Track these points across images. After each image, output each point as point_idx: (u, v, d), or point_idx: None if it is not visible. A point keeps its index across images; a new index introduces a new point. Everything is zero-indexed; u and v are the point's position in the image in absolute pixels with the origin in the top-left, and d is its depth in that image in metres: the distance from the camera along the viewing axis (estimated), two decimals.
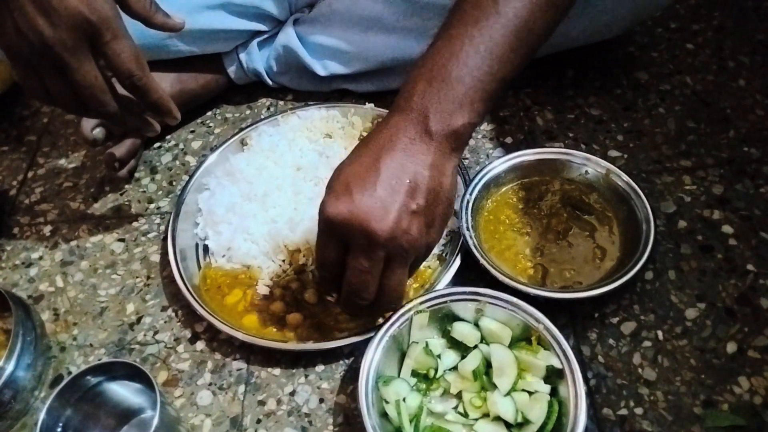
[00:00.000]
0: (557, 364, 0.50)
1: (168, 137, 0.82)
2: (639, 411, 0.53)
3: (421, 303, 0.54)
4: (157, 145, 0.81)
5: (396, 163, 0.47)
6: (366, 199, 0.46)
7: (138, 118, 0.60)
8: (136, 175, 0.78)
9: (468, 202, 0.63)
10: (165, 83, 0.76)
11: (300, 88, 0.84)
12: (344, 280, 0.49)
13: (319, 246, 0.50)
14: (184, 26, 0.58)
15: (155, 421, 0.47)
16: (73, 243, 0.71)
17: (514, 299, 0.53)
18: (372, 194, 0.46)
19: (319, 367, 0.58)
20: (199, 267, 0.65)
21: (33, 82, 0.53)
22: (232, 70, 0.81)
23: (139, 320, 0.64)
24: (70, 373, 0.60)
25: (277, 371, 0.58)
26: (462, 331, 0.54)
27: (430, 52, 0.50)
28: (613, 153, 0.72)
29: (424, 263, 0.62)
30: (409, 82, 0.50)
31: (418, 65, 0.50)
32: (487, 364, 0.52)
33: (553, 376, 0.50)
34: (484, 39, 0.49)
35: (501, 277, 0.57)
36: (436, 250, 0.63)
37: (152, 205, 0.74)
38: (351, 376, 0.57)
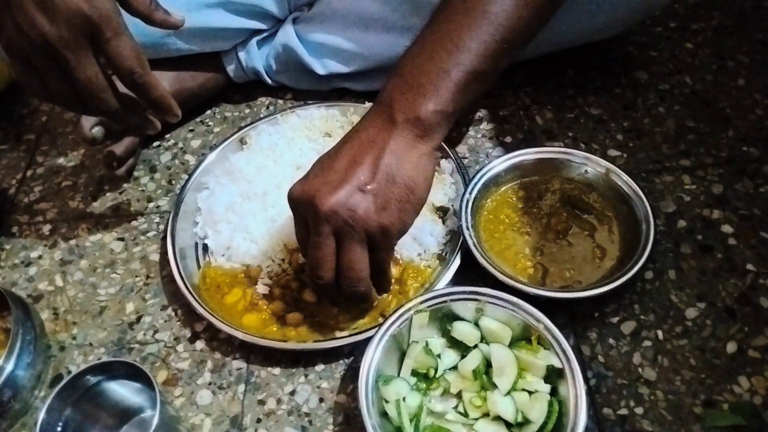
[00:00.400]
0: (557, 364, 0.50)
1: (167, 136, 0.82)
2: (639, 410, 0.53)
3: (421, 302, 0.54)
4: (156, 143, 0.81)
5: (356, 150, 0.51)
6: (318, 179, 0.50)
7: (138, 116, 0.60)
8: (135, 173, 0.78)
9: (468, 201, 0.63)
10: (164, 82, 0.75)
11: (299, 87, 0.84)
12: (316, 257, 0.52)
13: (296, 231, 0.55)
14: (184, 23, 0.57)
15: (155, 421, 0.47)
16: (73, 242, 0.71)
17: (514, 299, 0.53)
18: (325, 175, 0.50)
19: (319, 367, 0.58)
20: (199, 266, 0.65)
21: (33, 80, 0.53)
22: (231, 69, 0.81)
23: (138, 319, 0.63)
24: (69, 372, 0.60)
25: (277, 371, 0.58)
26: (462, 330, 0.54)
27: (405, 52, 0.55)
28: (613, 152, 0.72)
29: (423, 262, 0.62)
30: (385, 80, 0.54)
31: (395, 65, 0.54)
32: (487, 364, 0.52)
33: (553, 376, 0.50)
34: (451, 32, 0.52)
35: (501, 277, 0.57)
36: (436, 250, 0.63)
37: (151, 204, 0.74)
38: (351, 376, 0.57)
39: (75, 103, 0.55)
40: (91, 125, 0.68)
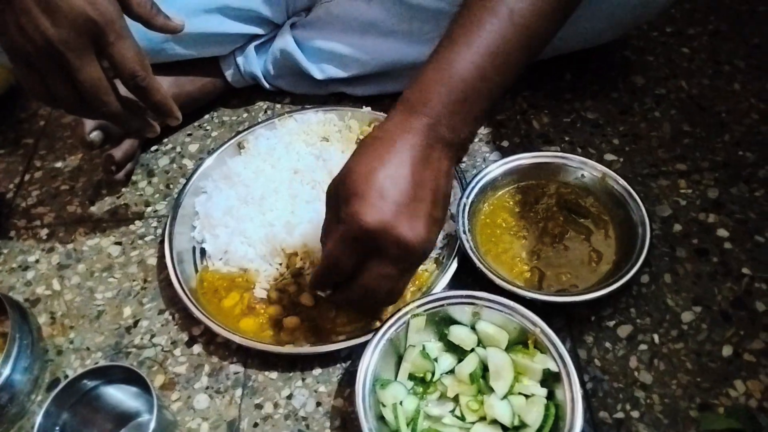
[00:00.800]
0: (554, 368, 0.50)
1: (165, 140, 0.82)
2: (635, 414, 0.53)
3: (418, 306, 0.54)
4: (154, 148, 0.81)
5: (419, 170, 0.47)
6: (399, 208, 0.46)
7: (139, 120, 0.60)
8: (133, 178, 0.78)
9: (465, 205, 0.63)
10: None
11: (297, 92, 0.84)
12: (358, 283, 0.49)
13: (337, 250, 0.48)
14: (184, 28, 0.58)
15: (152, 425, 0.47)
16: (70, 246, 0.71)
17: (511, 302, 0.53)
18: (404, 204, 0.46)
19: (317, 371, 0.58)
20: (196, 270, 0.65)
21: (35, 83, 0.53)
22: (229, 74, 0.81)
23: (136, 324, 0.63)
24: (66, 376, 0.60)
25: (274, 375, 0.58)
26: (459, 334, 0.54)
27: (448, 55, 0.49)
28: (609, 156, 0.73)
29: (421, 267, 0.62)
30: (424, 82, 0.49)
31: (434, 65, 0.49)
32: (484, 368, 0.52)
33: (550, 380, 0.51)
34: (499, 51, 0.49)
35: (498, 281, 0.57)
36: (433, 254, 0.63)
37: (149, 209, 0.74)
38: (348, 380, 0.57)
39: (77, 106, 0.55)
40: (89, 129, 0.68)
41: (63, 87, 0.53)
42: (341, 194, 0.48)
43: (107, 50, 0.52)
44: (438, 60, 0.50)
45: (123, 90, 0.57)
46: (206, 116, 0.84)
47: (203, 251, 0.66)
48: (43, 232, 0.73)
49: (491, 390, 0.51)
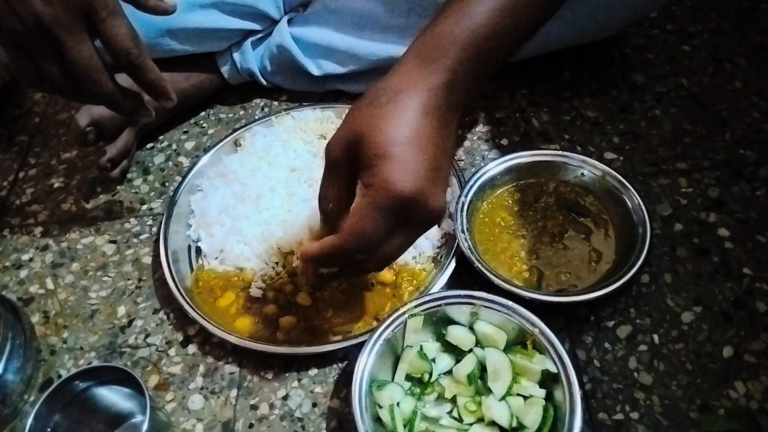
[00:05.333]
0: (552, 369, 0.49)
1: (161, 137, 0.81)
2: (635, 415, 0.53)
3: (416, 306, 0.53)
4: (149, 145, 0.80)
5: (441, 134, 0.45)
6: (429, 175, 0.43)
7: (133, 101, 0.59)
8: (129, 175, 0.77)
9: (463, 204, 0.62)
10: None
11: (294, 89, 0.83)
12: (379, 254, 0.46)
13: (368, 220, 0.43)
14: (176, 9, 0.57)
15: (145, 426, 0.46)
16: (64, 244, 0.70)
17: (509, 302, 0.53)
18: (432, 170, 0.43)
19: (313, 371, 0.58)
20: (192, 269, 0.64)
21: (26, 66, 0.52)
22: (225, 70, 0.81)
23: (130, 323, 0.63)
24: (60, 376, 0.59)
25: (269, 375, 0.58)
26: (457, 334, 0.53)
27: (464, 8, 0.46)
28: (609, 155, 0.72)
29: (418, 265, 0.62)
30: (440, 35, 0.46)
31: (450, 17, 0.46)
32: (482, 368, 0.52)
33: (549, 381, 0.50)
34: (514, 6, 0.46)
35: (496, 280, 0.57)
36: (431, 253, 0.63)
37: (144, 207, 0.73)
38: (344, 380, 0.56)
39: (69, 88, 0.54)
40: (83, 125, 0.67)
41: (54, 69, 0.52)
42: (363, 154, 0.43)
43: (99, 27, 0.51)
44: (453, 11, 0.46)
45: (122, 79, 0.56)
46: (202, 113, 0.83)
47: (199, 250, 0.66)
48: (37, 230, 0.72)
49: (489, 391, 0.50)
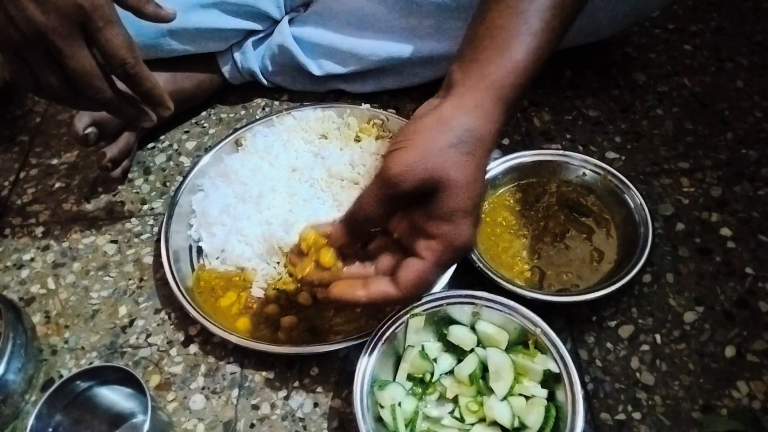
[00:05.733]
0: (554, 369, 0.49)
1: (162, 137, 0.81)
2: (637, 416, 0.52)
3: (417, 306, 0.53)
4: (150, 145, 0.80)
5: (483, 185, 0.45)
6: (474, 223, 0.45)
7: (133, 107, 0.59)
8: (130, 175, 0.77)
9: None
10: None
11: (295, 88, 0.83)
12: None
13: (434, 275, 0.45)
14: (176, 17, 0.57)
15: (146, 426, 0.46)
16: (65, 244, 0.70)
17: (511, 302, 0.52)
18: (476, 216, 0.45)
19: (314, 371, 0.58)
20: (193, 269, 0.64)
21: (24, 73, 0.52)
22: (226, 70, 0.81)
23: (131, 323, 0.63)
24: (61, 376, 0.59)
25: (271, 375, 0.58)
26: (458, 334, 0.53)
27: (514, 45, 0.46)
28: (611, 154, 0.72)
29: None
30: (498, 67, 0.45)
31: (495, 58, 0.46)
32: (484, 368, 0.51)
33: (551, 381, 0.50)
34: (547, 47, 0.47)
35: (498, 280, 0.56)
36: None
37: (145, 206, 0.73)
38: (346, 380, 0.56)
39: (67, 95, 0.54)
40: (84, 125, 0.67)
41: (52, 76, 0.52)
42: (442, 204, 0.43)
43: (96, 36, 0.51)
44: (506, 43, 0.46)
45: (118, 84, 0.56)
46: (203, 113, 0.83)
47: (200, 250, 0.65)
48: (39, 230, 0.72)
49: (491, 391, 0.50)
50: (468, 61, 0.47)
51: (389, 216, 0.47)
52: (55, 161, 0.80)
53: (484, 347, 0.52)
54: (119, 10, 0.53)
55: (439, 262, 0.44)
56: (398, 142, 0.44)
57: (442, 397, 0.52)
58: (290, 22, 0.79)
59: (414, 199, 0.44)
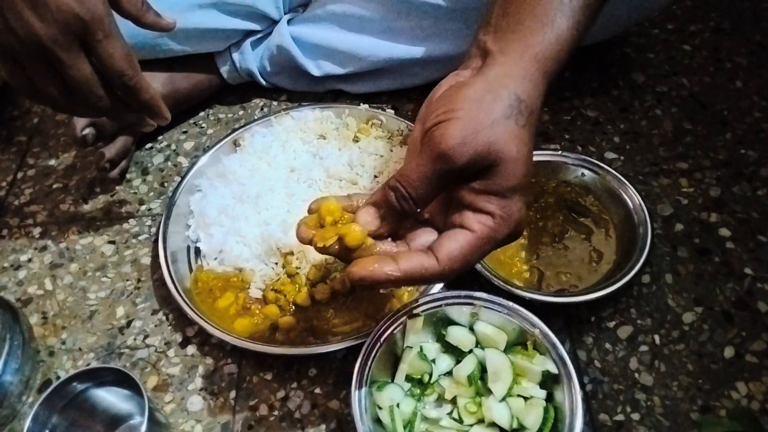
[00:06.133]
0: (553, 369, 0.49)
1: (160, 138, 0.81)
2: (636, 416, 0.52)
3: (416, 307, 0.53)
4: (148, 145, 0.80)
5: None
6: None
7: (132, 114, 0.59)
8: (127, 176, 0.77)
9: None
10: (157, 83, 0.75)
11: (294, 89, 0.83)
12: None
13: (481, 251, 0.41)
14: (175, 26, 0.57)
15: (143, 428, 0.46)
16: (63, 245, 0.70)
17: (510, 303, 0.52)
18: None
19: (312, 372, 0.57)
20: (191, 270, 0.64)
21: (23, 80, 0.53)
22: (225, 70, 0.81)
23: (129, 324, 0.63)
24: (58, 377, 0.59)
25: (269, 376, 0.58)
26: (457, 335, 0.53)
27: (558, 17, 0.43)
28: (610, 155, 0.72)
29: None
30: (542, 38, 0.43)
31: (547, 21, 0.43)
32: (483, 369, 0.51)
33: (549, 382, 0.50)
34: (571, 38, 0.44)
35: (496, 281, 0.56)
36: None
37: (143, 207, 0.73)
38: (344, 381, 0.56)
39: (65, 103, 0.54)
40: (82, 126, 0.67)
41: (51, 85, 0.52)
42: (497, 180, 0.40)
43: (95, 48, 0.52)
44: (540, 22, 0.43)
45: None
46: (201, 113, 0.83)
47: (198, 250, 0.65)
48: (36, 231, 0.72)
49: (489, 392, 0.50)
50: (504, 31, 0.43)
51: (436, 196, 0.42)
52: (52, 162, 0.80)
53: (482, 348, 0.52)
54: (116, 16, 0.53)
55: (493, 237, 0.40)
56: (444, 112, 0.40)
57: (440, 398, 0.52)
58: (289, 22, 0.78)
59: (465, 175, 0.40)
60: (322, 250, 0.43)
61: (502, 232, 0.41)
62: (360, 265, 0.40)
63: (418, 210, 0.42)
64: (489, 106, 0.40)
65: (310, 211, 0.45)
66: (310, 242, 0.43)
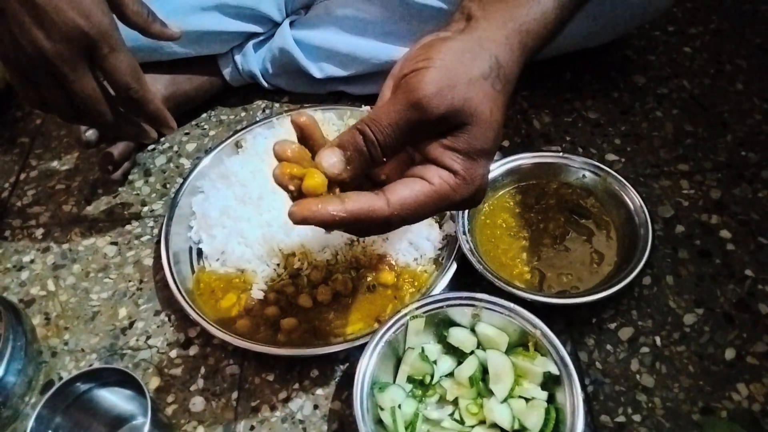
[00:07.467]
0: (554, 371, 0.49)
1: (162, 139, 0.81)
2: (637, 418, 0.52)
3: (417, 308, 0.53)
4: (151, 147, 0.80)
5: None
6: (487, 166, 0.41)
7: (134, 126, 0.60)
8: (130, 177, 0.77)
9: None
10: (159, 85, 0.75)
11: (296, 90, 0.83)
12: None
13: (434, 206, 0.39)
14: (181, 36, 0.58)
15: (146, 428, 0.46)
16: (66, 246, 0.70)
17: (511, 304, 0.52)
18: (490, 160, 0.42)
19: (314, 373, 0.58)
20: (193, 271, 0.64)
21: (29, 92, 0.54)
22: (227, 72, 0.81)
23: (131, 325, 0.63)
24: (61, 378, 0.59)
25: (271, 377, 0.58)
26: (458, 336, 0.53)
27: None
28: (611, 157, 0.72)
29: (420, 267, 0.62)
30: (527, 12, 0.42)
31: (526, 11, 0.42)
32: (484, 371, 0.51)
33: (550, 383, 0.50)
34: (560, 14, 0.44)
35: (497, 282, 0.56)
36: (432, 254, 0.63)
37: (146, 208, 0.73)
38: (346, 382, 0.56)
39: (71, 113, 0.55)
40: (85, 128, 0.68)
41: (57, 97, 0.53)
42: (466, 140, 0.39)
43: (101, 63, 0.53)
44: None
45: None
46: (204, 115, 0.83)
47: (200, 252, 0.65)
48: (39, 232, 0.72)
49: (491, 393, 0.50)
50: (491, 1, 0.43)
51: (403, 148, 0.40)
52: (55, 163, 0.81)
53: (484, 349, 0.52)
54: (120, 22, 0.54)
55: (450, 195, 0.39)
56: (423, 60, 0.38)
57: (442, 400, 0.52)
58: (291, 24, 0.79)
59: (435, 130, 0.39)
60: (278, 181, 0.40)
61: (460, 193, 0.39)
62: (302, 205, 0.38)
63: (384, 160, 0.39)
64: (469, 62, 0.39)
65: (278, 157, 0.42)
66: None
